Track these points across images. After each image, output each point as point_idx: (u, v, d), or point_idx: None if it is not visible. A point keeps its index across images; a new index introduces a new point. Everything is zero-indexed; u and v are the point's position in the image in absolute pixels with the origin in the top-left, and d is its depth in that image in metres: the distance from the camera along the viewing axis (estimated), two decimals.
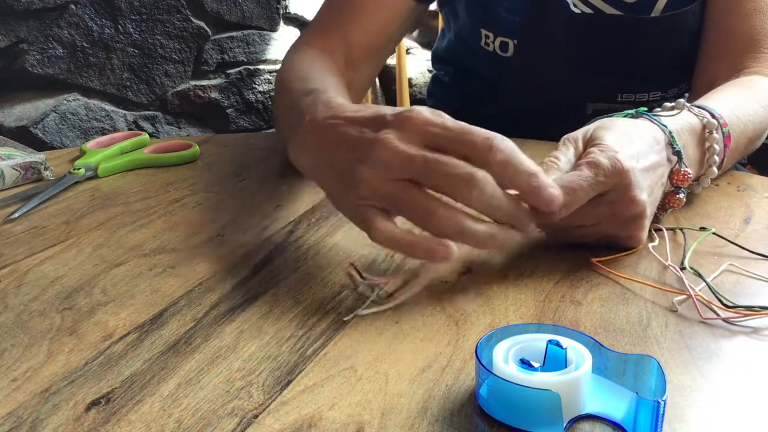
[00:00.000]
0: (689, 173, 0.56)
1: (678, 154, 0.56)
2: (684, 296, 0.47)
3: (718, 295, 0.46)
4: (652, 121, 0.57)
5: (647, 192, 0.52)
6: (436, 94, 1.06)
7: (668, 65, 0.87)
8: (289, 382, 0.40)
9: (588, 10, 0.82)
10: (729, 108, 0.64)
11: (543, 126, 0.85)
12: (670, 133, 0.57)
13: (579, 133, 0.55)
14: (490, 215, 0.46)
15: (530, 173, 0.45)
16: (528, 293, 0.49)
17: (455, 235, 0.45)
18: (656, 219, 0.57)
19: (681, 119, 0.59)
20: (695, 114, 0.61)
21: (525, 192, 0.45)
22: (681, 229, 0.57)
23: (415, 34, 2.22)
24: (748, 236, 0.57)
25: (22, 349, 0.44)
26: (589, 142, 0.53)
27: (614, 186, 0.50)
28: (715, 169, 0.61)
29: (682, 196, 0.57)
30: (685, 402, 0.37)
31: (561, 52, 0.85)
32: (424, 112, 0.46)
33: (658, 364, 0.35)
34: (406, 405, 0.37)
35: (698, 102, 0.63)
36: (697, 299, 0.46)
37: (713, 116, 0.60)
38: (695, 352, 0.41)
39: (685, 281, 0.48)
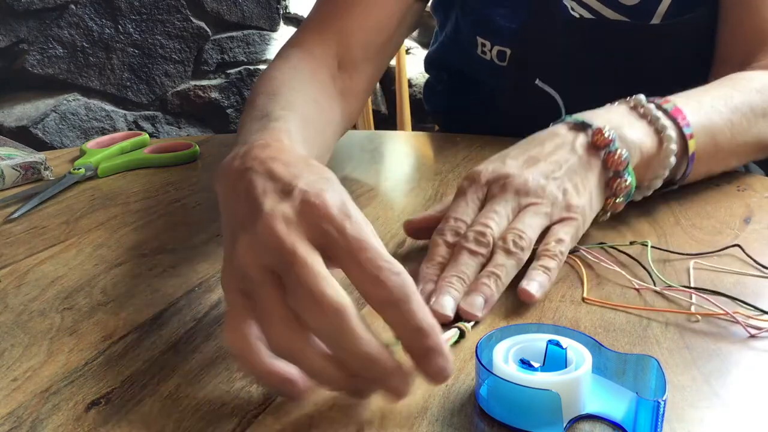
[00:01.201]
0: (608, 137, 0.54)
1: (582, 124, 0.55)
2: (695, 314, 0.47)
3: (746, 306, 0.45)
4: (552, 124, 0.58)
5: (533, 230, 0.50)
6: (431, 100, 1.04)
7: (669, 77, 0.84)
8: None
9: (587, 14, 0.81)
10: (683, 94, 0.63)
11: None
12: (564, 117, 0.57)
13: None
14: (348, 363, 0.35)
15: (421, 329, 0.34)
16: None
17: (292, 361, 0.36)
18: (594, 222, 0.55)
19: (601, 109, 0.59)
20: (621, 102, 0.60)
21: (410, 350, 0.35)
22: (613, 247, 0.55)
23: (415, 34, 2.22)
24: (748, 236, 0.57)
25: (22, 349, 0.44)
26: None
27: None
28: (671, 133, 0.57)
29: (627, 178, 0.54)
30: (685, 402, 0.37)
31: (558, 59, 0.84)
32: (332, 202, 0.37)
33: (658, 364, 0.35)
34: (406, 405, 0.37)
35: None
36: (735, 315, 0.44)
37: (638, 96, 0.60)
38: (695, 352, 0.41)
39: (713, 301, 0.46)
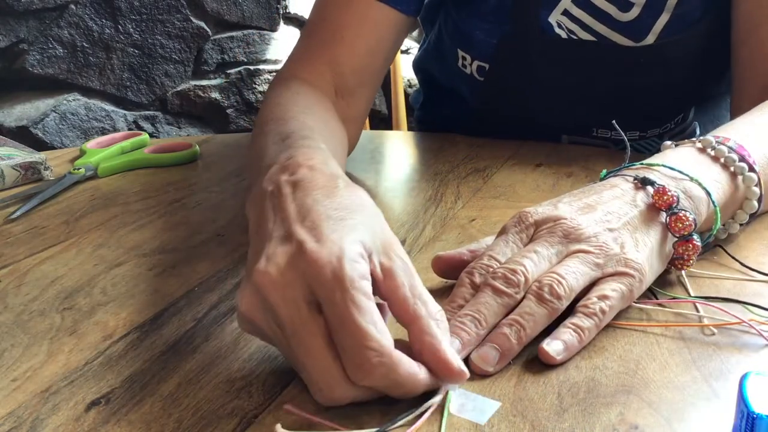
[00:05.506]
0: (672, 195, 0.47)
1: (644, 180, 0.48)
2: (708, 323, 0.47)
3: (757, 308, 0.44)
4: (615, 175, 0.51)
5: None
6: (423, 107, 1.04)
7: (648, 102, 0.81)
8: (289, 382, 0.40)
9: (579, 30, 0.77)
10: (729, 127, 0.57)
11: (520, 148, 0.83)
12: (625, 165, 0.51)
13: None
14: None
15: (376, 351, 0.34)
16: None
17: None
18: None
19: (668, 152, 0.53)
20: (687, 143, 0.54)
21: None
22: None
23: (414, 34, 2.22)
24: (748, 236, 0.57)
25: (22, 349, 0.44)
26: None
27: None
28: (751, 175, 0.52)
29: (696, 240, 0.47)
30: (686, 402, 0.37)
31: (535, 77, 0.81)
32: (326, 259, 0.35)
33: None
34: (406, 405, 0.37)
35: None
36: (751, 322, 0.43)
37: (706, 137, 0.53)
38: (695, 352, 0.41)
39: (724, 309, 0.44)
